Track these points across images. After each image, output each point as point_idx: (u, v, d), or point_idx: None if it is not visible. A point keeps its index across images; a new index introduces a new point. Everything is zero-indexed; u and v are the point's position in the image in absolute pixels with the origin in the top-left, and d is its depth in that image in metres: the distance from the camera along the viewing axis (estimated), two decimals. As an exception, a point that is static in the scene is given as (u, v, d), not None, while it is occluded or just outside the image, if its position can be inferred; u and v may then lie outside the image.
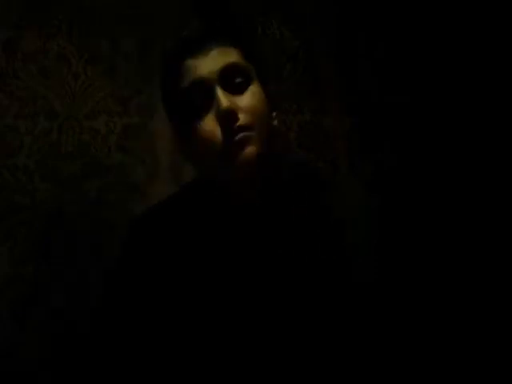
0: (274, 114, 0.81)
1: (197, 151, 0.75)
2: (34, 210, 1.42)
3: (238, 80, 0.73)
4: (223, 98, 0.70)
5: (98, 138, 1.50)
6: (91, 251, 1.39)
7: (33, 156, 1.46)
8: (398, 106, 1.65)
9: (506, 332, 1.46)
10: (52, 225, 1.42)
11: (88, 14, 1.58)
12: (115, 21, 1.59)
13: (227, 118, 0.70)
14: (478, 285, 1.51)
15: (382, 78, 1.66)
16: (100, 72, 1.54)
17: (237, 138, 0.70)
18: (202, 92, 0.72)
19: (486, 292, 1.50)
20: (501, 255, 1.53)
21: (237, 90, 0.73)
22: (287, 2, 1.69)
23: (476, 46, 1.69)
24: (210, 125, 0.71)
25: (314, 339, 0.69)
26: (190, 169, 1.48)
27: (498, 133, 1.63)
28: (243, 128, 0.70)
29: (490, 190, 1.59)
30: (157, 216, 0.82)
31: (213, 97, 0.72)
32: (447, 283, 1.51)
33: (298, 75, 1.64)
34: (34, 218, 1.42)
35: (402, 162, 1.61)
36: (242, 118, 0.71)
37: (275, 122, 0.80)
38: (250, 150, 0.70)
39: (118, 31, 1.58)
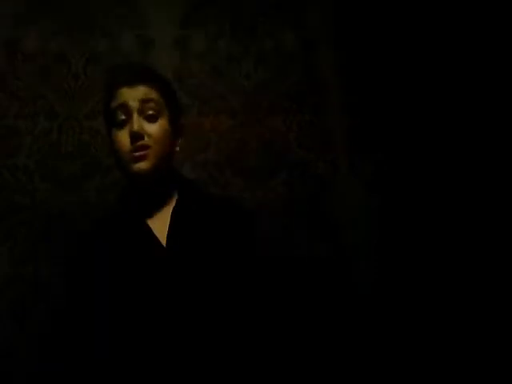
0: (179, 141, 1.06)
1: (116, 155, 1.00)
2: (34, 210, 1.42)
3: (151, 112, 0.99)
4: (137, 122, 0.96)
5: (97, 138, 1.50)
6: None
7: (33, 156, 1.46)
8: (397, 106, 1.65)
9: (505, 333, 1.46)
10: (52, 225, 1.42)
11: (88, 14, 1.58)
12: (115, 21, 1.59)
13: (135, 136, 0.95)
14: (477, 284, 1.51)
15: (382, 78, 1.66)
16: (100, 72, 1.54)
17: (137, 154, 0.95)
18: (125, 112, 0.98)
19: (485, 291, 1.50)
20: (500, 255, 1.53)
21: (149, 119, 0.99)
22: (287, 2, 1.70)
23: (477, 46, 1.69)
24: (124, 137, 0.97)
25: (211, 313, 0.91)
26: (187, 169, 1.50)
27: (499, 132, 1.63)
28: (144, 147, 0.96)
29: (489, 190, 1.59)
30: (93, 227, 1.07)
31: (131, 117, 0.97)
32: (446, 283, 1.51)
33: (297, 75, 1.65)
34: (34, 218, 1.42)
35: (403, 161, 1.61)
36: (146, 139, 0.96)
37: (177, 148, 1.06)
38: (143, 164, 0.96)
39: (118, 31, 1.59)
